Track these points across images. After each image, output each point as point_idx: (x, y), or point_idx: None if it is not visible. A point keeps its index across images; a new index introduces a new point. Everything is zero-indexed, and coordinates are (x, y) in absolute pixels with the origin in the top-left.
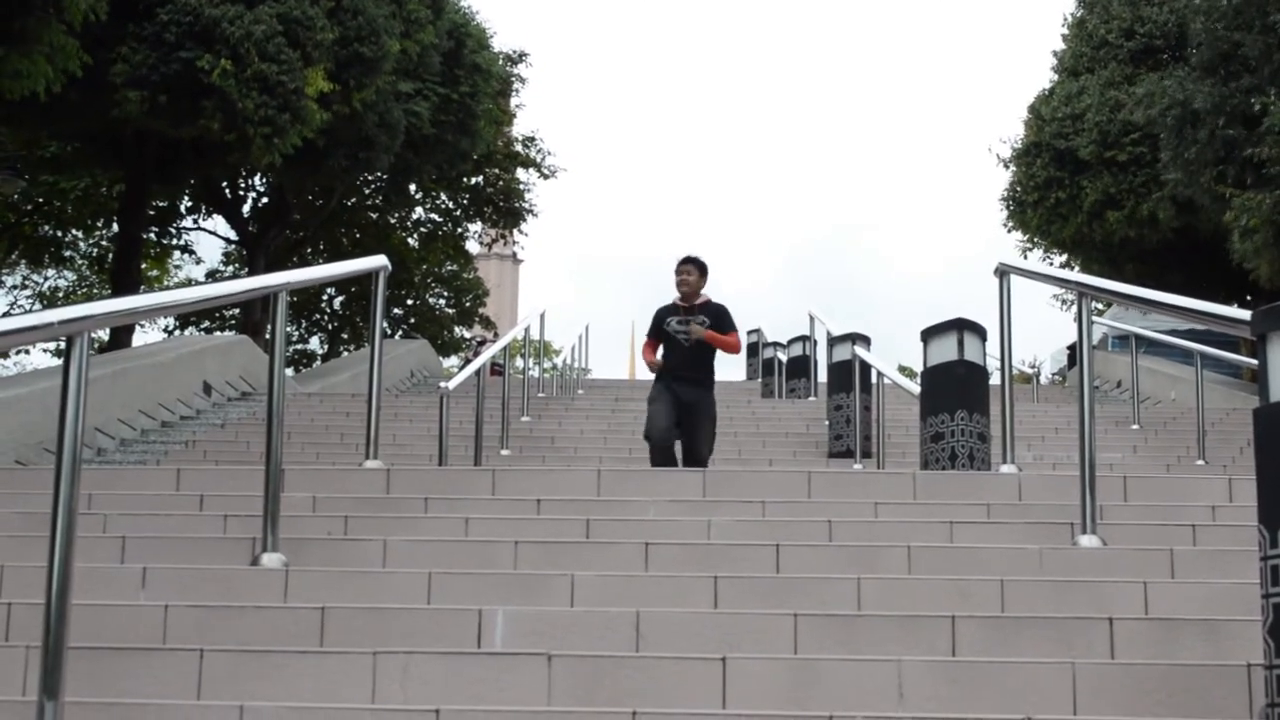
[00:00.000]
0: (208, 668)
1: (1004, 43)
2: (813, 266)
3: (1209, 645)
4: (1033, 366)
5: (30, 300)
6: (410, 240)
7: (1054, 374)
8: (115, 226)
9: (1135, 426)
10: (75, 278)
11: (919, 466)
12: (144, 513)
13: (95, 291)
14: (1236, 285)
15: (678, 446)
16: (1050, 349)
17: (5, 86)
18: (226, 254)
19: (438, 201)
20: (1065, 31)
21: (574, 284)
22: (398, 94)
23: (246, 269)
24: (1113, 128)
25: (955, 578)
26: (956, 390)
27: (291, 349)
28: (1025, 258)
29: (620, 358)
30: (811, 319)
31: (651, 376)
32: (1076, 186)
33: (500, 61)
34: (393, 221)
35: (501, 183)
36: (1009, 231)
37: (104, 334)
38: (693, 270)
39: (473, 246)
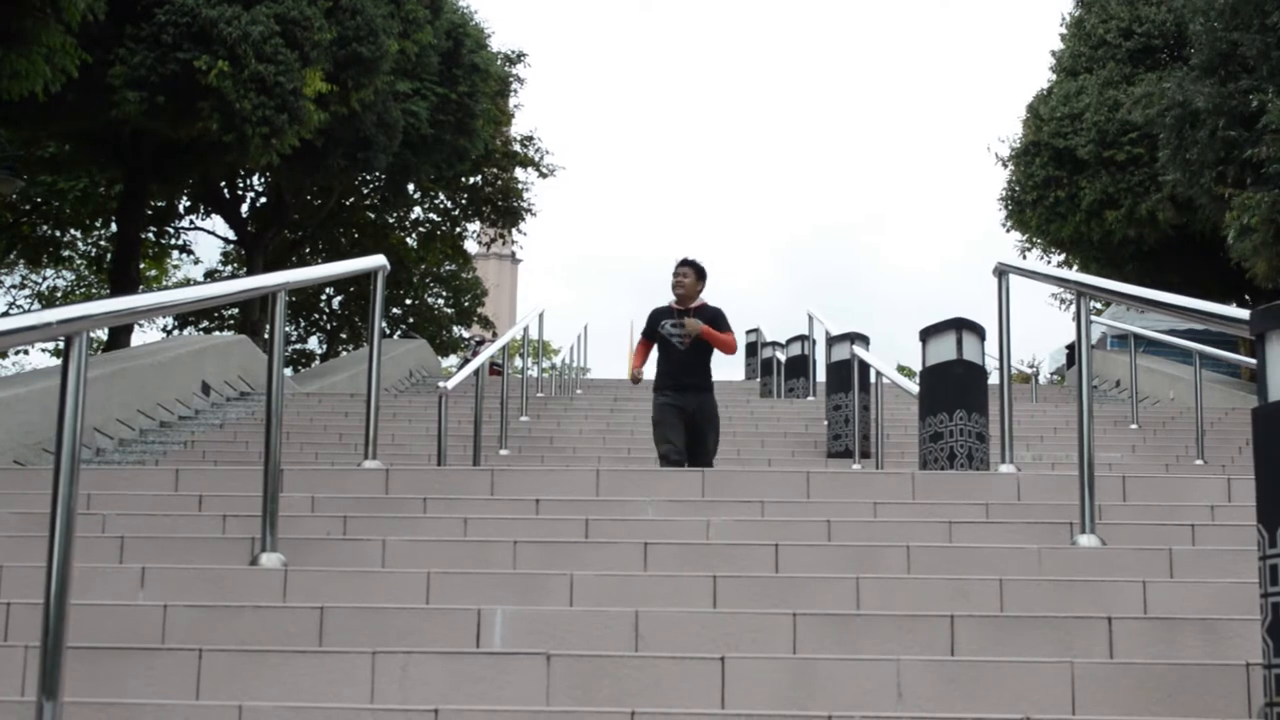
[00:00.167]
0: (207, 667)
1: (1002, 42)
2: (811, 265)
3: (1208, 645)
4: (1031, 366)
5: (29, 300)
6: (409, 240)
7: (1053, 373)
8: (114, 226)
9: (1134, 426)
10: (74, 277)
11: (918, 466)
12: (143, 513)
13: (94, 291)
14: (1235, 284)
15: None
16: (1049, 348)
17: (4, 87)
18: (225, 254)
19: (436, 201)
20: (1064, 31)
21: (572, 284)
22: (396, 94)
23: (245, 269)
24: (1111, 127)
25: (954, 577)
26: (955, 390)
27: (290, 349)
28: (1024, 257)
29: (619, 357)
30: (810, 319)
31: (649, 378)
32: (1075, 186)
33: (499, 61)
34: (391, 221)
35: (500, 182)
36: (1007, 231)
37: (103, 334)
38: (689, 273)
39: (471, 246)
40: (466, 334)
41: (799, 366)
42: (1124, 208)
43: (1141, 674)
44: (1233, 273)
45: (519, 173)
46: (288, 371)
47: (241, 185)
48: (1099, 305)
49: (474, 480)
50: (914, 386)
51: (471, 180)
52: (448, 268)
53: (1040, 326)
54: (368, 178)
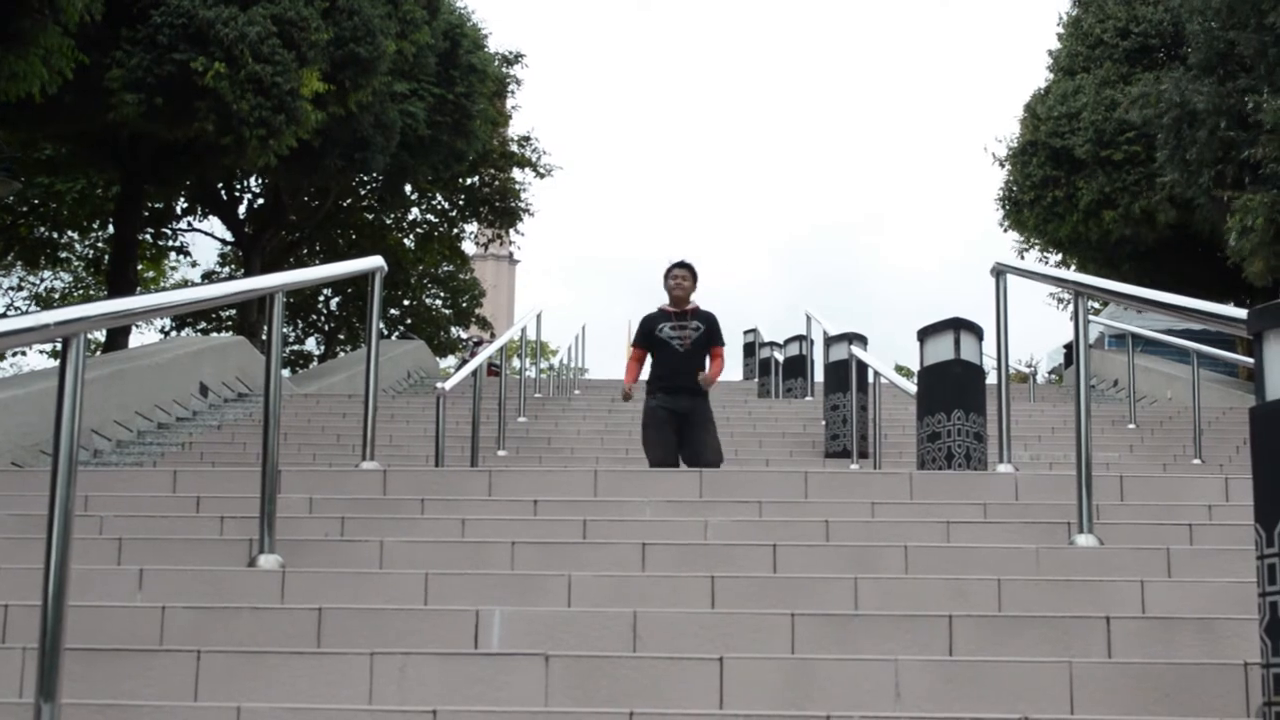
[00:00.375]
0: (205, 669)
1: (1000, 42)
2: (809, 265)
3: (1206, 644)
4: (1029, 365)
5: (26, 301)
6: (406, 241)
7: (1050, 373)
8: (111, 228)
9: (1132, 426)
10: (71, 279)
11: (916, 466)
12: (141, 514)
13: (91, 293)
14: (1232, 284)
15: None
16: (1047, 348)
17: (2, 88)
18: (222, 255)
19: (434, 202)
20: (1061, 30)
21: (570, 284)
22: (393, 95)
23: (242, 270)
24: (1108, 127)
25: (952, 577)
26: (953, 390)
27: (288, 350)
28: (1022, 257)
29: (617, 358)
30: (808, 319)
31: (647, 378)
32: (1072, 186)
33: (496, 62)
34: (389, 222)
35: (497, 183)
36: (1005, 231)
37: (100, 335)
38: (688, 275)
39: (469, 247)
40: (464, 335)
41: (797, 367)
42: (1121, 207)
43: (1139, 674)
44: (1230, 272)
45: (516, 173)
46: (285, 373)
47: (239, 187)
48: (1097, 305)
49: (472, 481)
50: (912, 386)
51: (469, 181)
52: (445, 269)
53: (1038, 326)
54: (365, 179)
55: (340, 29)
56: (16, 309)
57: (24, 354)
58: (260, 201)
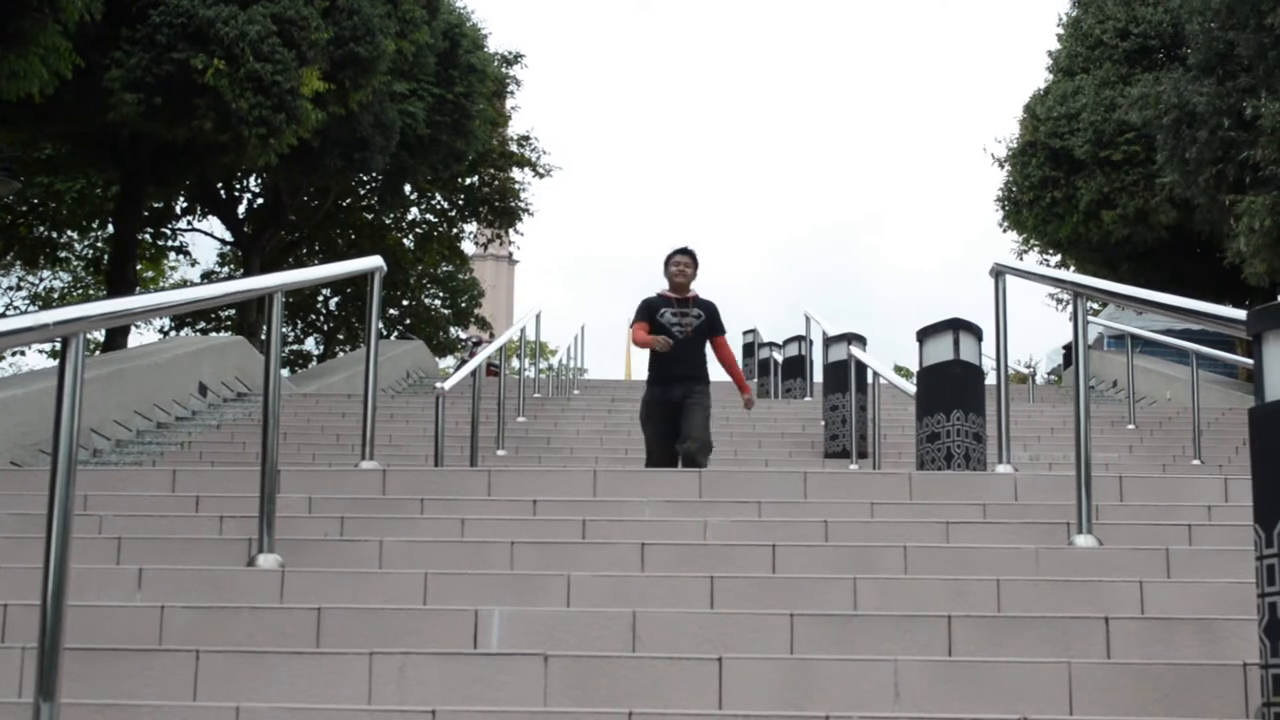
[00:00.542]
0: (204, 669)
1: (1000, 42)
2: (809, 265)
3: (1205, 645)
4: (1028, 366)
5: (25, 301)
6: (405, 241)
7: (1049, 374)
8: (110, 228)
9: (1131, 426)
10: (71, 279)
11: (915, 466)
12: (140, 514)
13: (91, 293)
14: (1231, 285)
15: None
16: (1046, 349)
17: (2, 88)
18: (222, 255)
19: (433, 202)
20: (1060, 31)
21: (570, 284)
22: (393, 95)
23: (242, 270)
24: (1108, 127)
25: (951, 578)
26: (952, 390)
27: (287, 350)
28: (1022, 258)
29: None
30: (807, 319)
31: (643, 376)
32: (1071, 186)
33: (495, 62)
34: (388, 222)
35: (497, 183)
36: (1004, 231)
37: (99, 335)
38: (690, 263)
39: (468, 247)
40: (463, 335)
41: (796, 367)
42: (1120, 208)
43: (1139, 674)
44: (1229, 273)
45: (516, 173)
46: (285, 372)
47: (238, 186)
48: (1096, 305)
49: (471, 481)
50: (911, 387)
51: (468, 181)
52: (445, 268)
53: (1037, 327)
54: (364, 179)
55: (340, 28)
56: (16, 309)
57: (23, 354)
58: (260, 201)
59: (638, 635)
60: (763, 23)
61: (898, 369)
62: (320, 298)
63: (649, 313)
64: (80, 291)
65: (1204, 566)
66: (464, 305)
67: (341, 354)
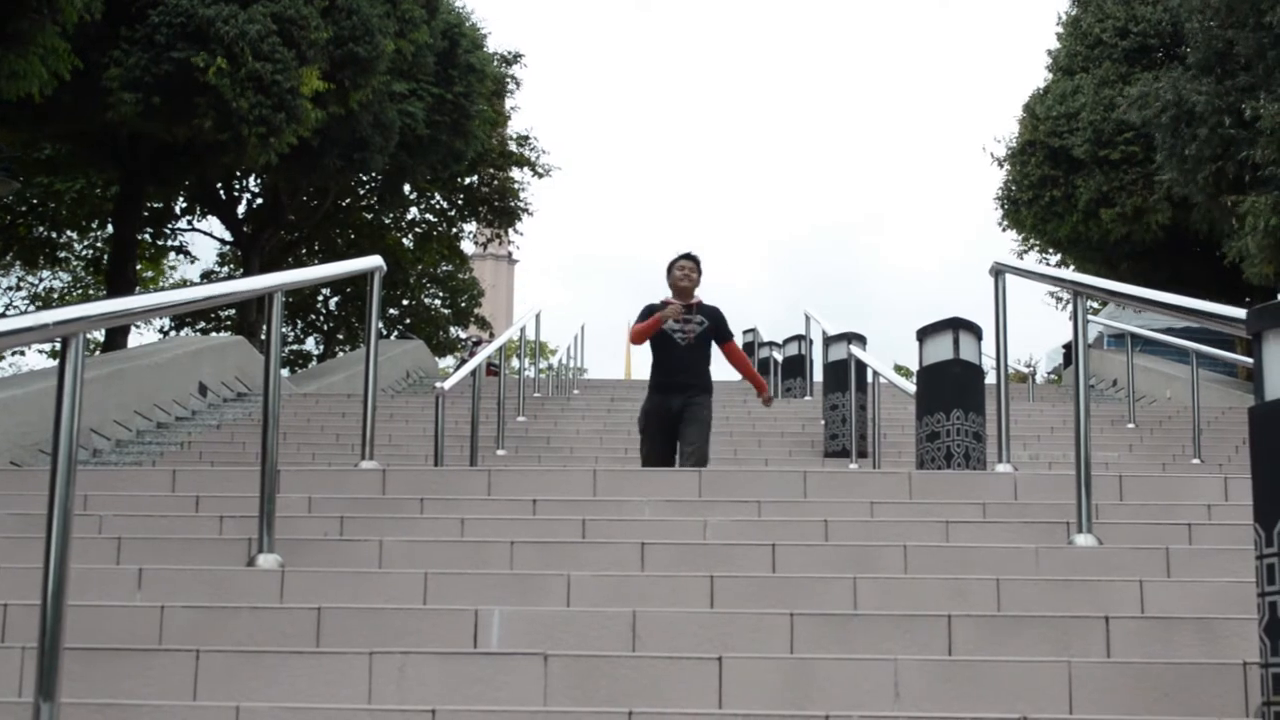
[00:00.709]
0: (204, 668)
1: (999, 42)
2: (809, 265)
3: (1205, 644)
4: (1028, 365)
5: (25, 301)
6: (405, 241)
7: (1049, 373)
8: (110, 228)
9: (1131, 425)
10: (70, 279)
11: (915, 466)
12: (140, 514)
13: (90, 293)
14: (1231, 284)
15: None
16: (1046, 348)
17: (1, 88)
18: (221, 255)
19: (432, 202)
20: (1060, 30)
21: (569, 284)
22: (392, 94)
23: (241, 270)
24: (1107, 126)
25: (951, 577)
26: (952, 389)
27: (287, 350)
28: (1021, 258)
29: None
30: (807, 319)
31: (647, 376)
32: (1071, 185)
33: (495, 62)
34: (387, 222)
35: (496, 182)
36: (1004, 230)
37: (99, 335)
38: (694, 268)
39: (468, 247)
40: (463, 334)
41: (796, 366)
42: (1119, 207)
43: (1139, 673)
44: (1228, 272)
45: (515, 173)
46: (285, 372)
47: (238, 186)
48: (1095, 304)
49: (471, 481)
50: (911, 386)
51: (468, 181)
52: (444, 268)
53: (1037, 326)
54: (364, 178)
55: (339, 28)
56: (16, 309)
57: (23, 354)
58: (259, 201)
59: (638, 635)
60: (763, 22)
61: (897, 368)
62: (320, 297)
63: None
64: (80, 291)
65: (1204, 565)
66: (464, 305)
67: (341, 354)
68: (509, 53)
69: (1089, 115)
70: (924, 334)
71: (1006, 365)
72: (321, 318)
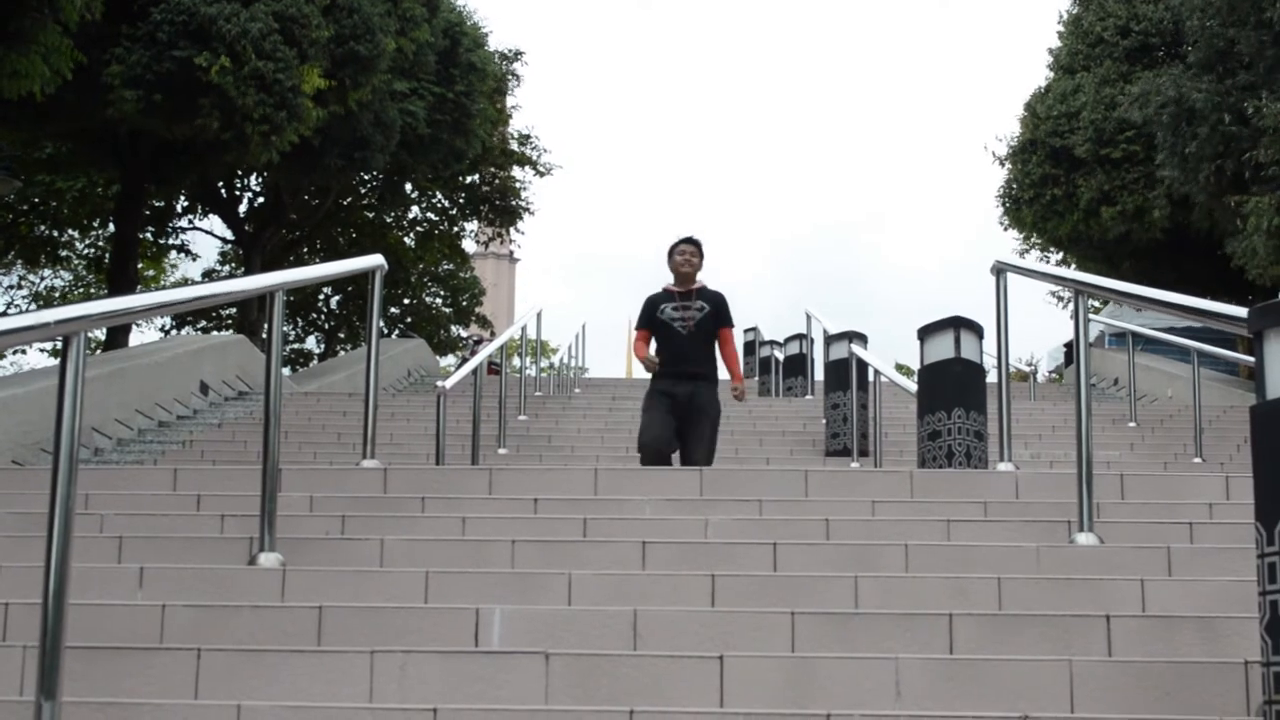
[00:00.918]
0: (205, 667)
1: (1000, 40)
2: (811, 264)
3: (1206, 643)
4: (1030, 364)
5: (26, 300)
6: (406, 239)
7: (1051, 372)
8: (111, 226)
9: (1132, 424)
10: (71, 278)
11: (916, 465)
12: (141, 512)
13: (92, 291)
14: (1232, 283)
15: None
16: (1047, 347)
17: (3, 86)
18: (223, 254)
19: (434, 201)
20: (1061, 29)
21: (571, 283)
22: (393, 93)
23: (243, 269)
24: (1108, 125)
25: (952, 576)
26: (953, 388)
27: (288, 348)
28: (1023, 257)
29: (618, 356)
30: (808, 317)
31: (648, 375)
32: (1072, 184)
33: (496, 60)
34: (389, 221)
35: (497, 181)
36: (1005, 229)
37: (101, 334)
38: (695, 252)
39: (469, 245)
40: (464, 333)
41: (797, 365)
42: (1120, 205)
43: (1140, 672)
44: (1230, 270)
45: (516, 171)
46: (286, 371)
47: (239, 185)
48: (1097, 303)
49: (472, 479)
50: (912, 385)
51: (469, 179)
52: (445, 267)
53: (1038, 325)
54: (365, 177)
55: (340, 26)
56: (17, 307)
57: (24, 352)
58: (260, 200)
59: (639, 634)
60: (764, 21)
61: (899, 367)
62: (321, 296)
63: (649, 312)
64: (81, 290)
65: (1205, 564)
66: (465, 304)
67: (342, 352)
68: (510, 50)
69: (1090, 114)
70: (925, 333)
71: (1008, 364)
72: (323, 316)
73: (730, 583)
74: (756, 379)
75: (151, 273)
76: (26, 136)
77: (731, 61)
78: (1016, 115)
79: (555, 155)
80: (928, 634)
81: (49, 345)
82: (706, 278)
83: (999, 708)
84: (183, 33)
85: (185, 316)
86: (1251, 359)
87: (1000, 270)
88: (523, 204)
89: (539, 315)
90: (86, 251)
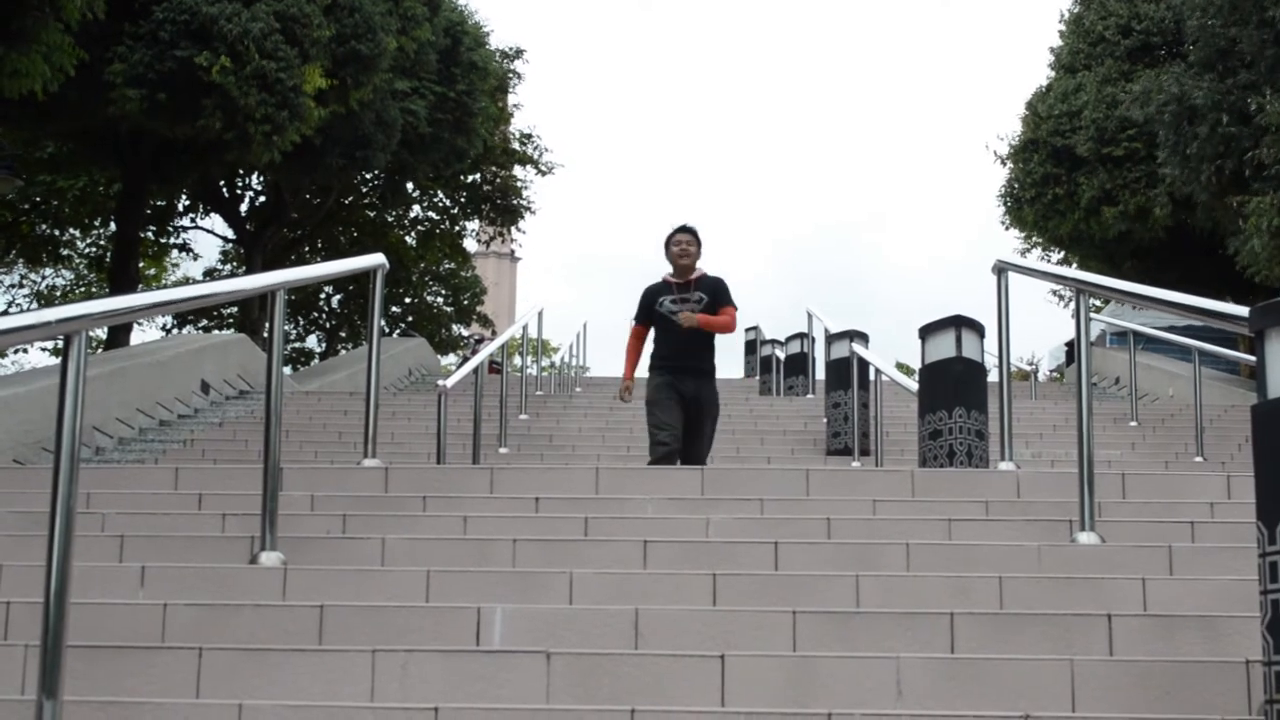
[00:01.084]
0: (206, 666)
1: (1001, 40)
2: (812, 263)
3: (1208, 642)
4: (1031, 363)
5: (28, 299)
6: (408, 238)
7: (1052, 371)
8: (113, 225)
9: (1133, 423)
10: (73, 277)
11: (917, 464)
12: (142, 511)
13: (93, 290)
14: (1233, 282)
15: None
16: (1048, 346)
17: (4, 85)
18: (224, 253)
19: (435, 200)
20: (1063, 28)
21: (572, 282)
22: (394, 93)
23: (244, 268)
24: (1109, 124)
25: (954, 575)
26: (954, 387)
27: (289, 347)
28: (1024, 256)
29: (618, 356)
30: (809, 316)
31: (646, 370)
32: (1073, 183)
33: (497, 59)
34: (390, 220)
35: (499, 180)
36: (1006, 228)
37: (102, 333)
38: (692, 241)
39: (470, 245)
40: (465, 332)
41: (798, 364)
42: (1122, 204)
43: (1141, 671)
44: (1231, 270)
45: (518, 170)
46: (287, 370)
47: (240, 184)
48: (1098, 302)
49: (473, 479)
50: (913, 384)
51: (470, 178)
52: (447, 266)
53: (1040, 324)
54: (366, 176)
55: (341, 26)
56: (18, 306)
57: (25, 351)
58: (262, 199)
59: (640, 633)
60: (765, 20)
61: (900, 366)
62: (322, 295)
63: (647, 305)
64: (82, 289)
65: (1206, 564)
66: (466, 303)
67: (344, 351)
68: (511, 48)
69: (1091, 113)
70: (926, 332)
71: (1009, 363)
72: (324, 315)
73: (731, 582)
74: (758, 378)
75: (153, 272)
76: (28, 135)
77: (733, 61)
78: (1018, 114)
79: (557, 154)
80: (929, 633)
81: (50, 344)
82: (709, 268)
83: (1000, 707)
84: (184, 32)
85: (186, 315)
86: (1253, 358)
87: (1001, 269)
88: (524, 203)
89: (540, 314)
90: (88, 250)
